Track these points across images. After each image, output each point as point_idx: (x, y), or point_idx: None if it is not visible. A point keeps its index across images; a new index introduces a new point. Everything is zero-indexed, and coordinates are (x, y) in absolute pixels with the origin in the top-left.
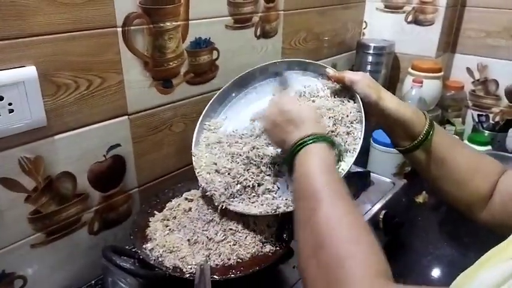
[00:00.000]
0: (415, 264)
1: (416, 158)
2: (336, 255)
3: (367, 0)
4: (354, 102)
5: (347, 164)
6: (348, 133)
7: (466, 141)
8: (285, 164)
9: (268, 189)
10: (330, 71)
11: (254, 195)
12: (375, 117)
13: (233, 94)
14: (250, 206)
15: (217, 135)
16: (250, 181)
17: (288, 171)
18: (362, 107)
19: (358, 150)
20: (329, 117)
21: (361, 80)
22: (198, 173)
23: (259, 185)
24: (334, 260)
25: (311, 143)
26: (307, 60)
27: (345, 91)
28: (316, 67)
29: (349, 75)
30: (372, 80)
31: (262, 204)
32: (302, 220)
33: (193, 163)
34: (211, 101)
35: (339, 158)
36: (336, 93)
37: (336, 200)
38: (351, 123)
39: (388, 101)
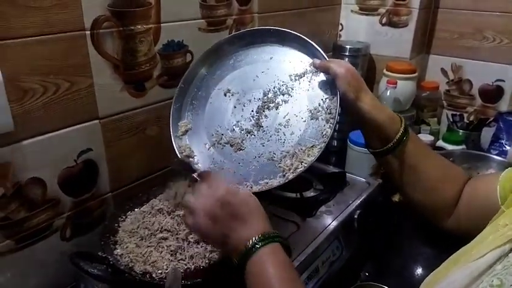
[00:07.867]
0: (390, 263)
1: (387, 162)
2: None
3: (342, 3)
4: (334, 96)
5: (313, 156)
6: (320, 127)
7: (441, 141)
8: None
9: None
10: (316, 61)
11: None
12: (350, 116)
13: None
14: None
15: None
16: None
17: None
18: (338, 103)
19: (324, 145)
20: (307, 109)
21: (344, 76)
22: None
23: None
24: None
25: (263, 245)
26: (303, 36)
27: (328, 81)
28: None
29: (334, 68)
30: (355, 76)
31: None
32: None
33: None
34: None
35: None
36: (319, 82)
37: None
38: (327, 119)
39: (364, 102)
